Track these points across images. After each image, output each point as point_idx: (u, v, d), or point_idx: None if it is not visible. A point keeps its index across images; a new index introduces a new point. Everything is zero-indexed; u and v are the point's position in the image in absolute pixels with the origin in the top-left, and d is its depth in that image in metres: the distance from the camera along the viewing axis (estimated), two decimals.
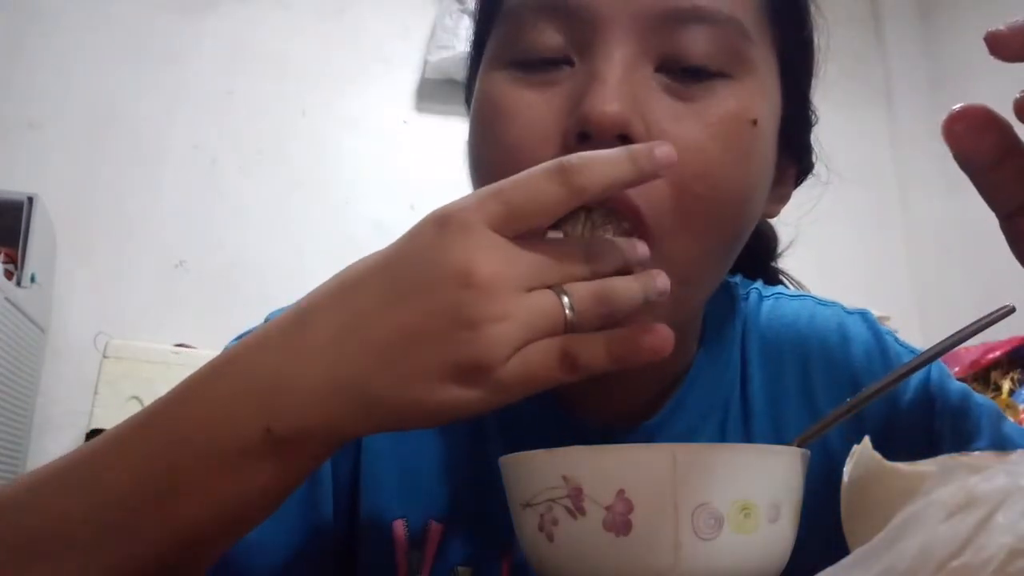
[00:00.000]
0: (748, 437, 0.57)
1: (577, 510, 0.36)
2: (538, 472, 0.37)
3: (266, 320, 0.59)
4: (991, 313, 0.41)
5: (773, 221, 0.66)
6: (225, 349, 0.56)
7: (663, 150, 0.39)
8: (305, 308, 0.39)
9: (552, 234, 0.42)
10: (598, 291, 0.39)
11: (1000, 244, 0.38)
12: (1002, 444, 0.54)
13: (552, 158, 0.44)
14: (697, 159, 0.45)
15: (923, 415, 0.57)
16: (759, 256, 0.69)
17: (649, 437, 0.55)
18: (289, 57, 2.42)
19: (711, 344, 0.58)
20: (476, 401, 0.37)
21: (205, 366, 0.40)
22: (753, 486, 0.36)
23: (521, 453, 0.39)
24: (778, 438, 0.56)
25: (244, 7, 2.44)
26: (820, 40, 0.56)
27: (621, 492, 0.35)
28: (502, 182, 0.39)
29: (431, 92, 2.48)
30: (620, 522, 0.35)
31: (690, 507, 0.35)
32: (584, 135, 0.45)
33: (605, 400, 0.55)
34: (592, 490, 0.35)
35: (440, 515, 0.55)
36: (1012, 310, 0.41)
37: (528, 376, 0.37)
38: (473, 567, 0.54)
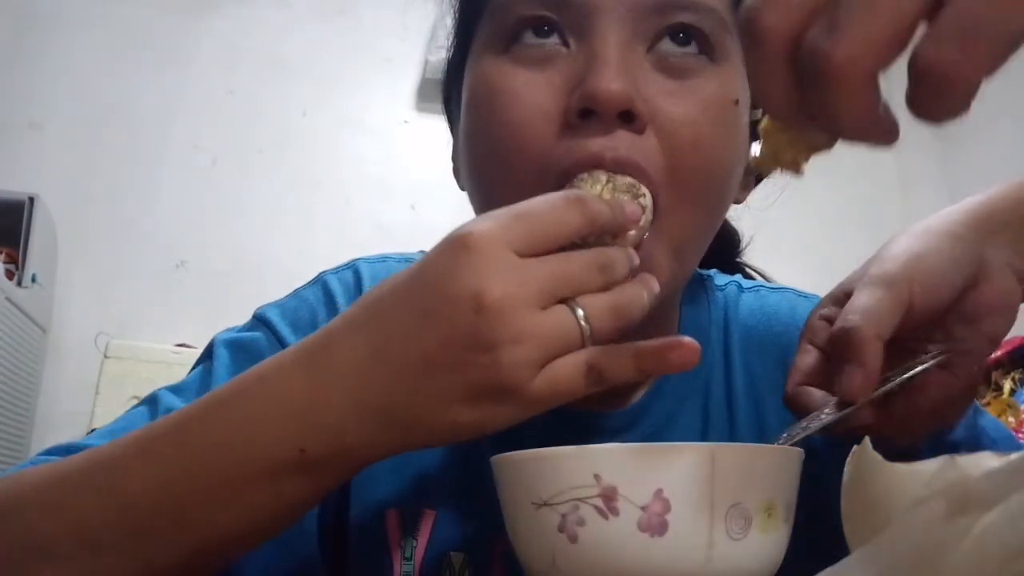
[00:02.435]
0: (732, 423, 0.59)
1: (609, 510, 0.35)
2: (564, 470, 0.36)
3: (255, 316, 0.59)
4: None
5: (736, 223, 0.70)
6: (216, 346, 0.57)
7: (631, 207, 0.44)
8: (331, 331, 0.40)
9: (572, 185, 0.46)
10: (615, 305, 0.40)
11: None
12: (976, 436, 0.56)
13: (554, 135, 0.48)
14: (690, 132, 0.48)
15: None
16: (725, 254, 0.71)
17: (632, 420, 0.57)
18: (289, 57, 2.42)
19: (687, 330, 0.60)
20: (504, 419, 0.38)
21: (231, 383, 0.41)
22: (778, 486, 0.36)
23: (544, 449, 0.37)
24: (759, 425, 0.58)
25: (244, 7, 2.44)
26: None
27: (659, 492, 0.34)
28: (526, 205, 0.40)
29: (431, 92, 2.48)
30: (656, 522, 0.34)
31: (725, 507, 0.35)
32: (586, 112, 0.47)
33: None
34: (628, 490, 0.34)
35: (432, 502, 0.56)
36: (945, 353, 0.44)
37: (555, 392, 0.38)
38: (465, 552, 0.55)
